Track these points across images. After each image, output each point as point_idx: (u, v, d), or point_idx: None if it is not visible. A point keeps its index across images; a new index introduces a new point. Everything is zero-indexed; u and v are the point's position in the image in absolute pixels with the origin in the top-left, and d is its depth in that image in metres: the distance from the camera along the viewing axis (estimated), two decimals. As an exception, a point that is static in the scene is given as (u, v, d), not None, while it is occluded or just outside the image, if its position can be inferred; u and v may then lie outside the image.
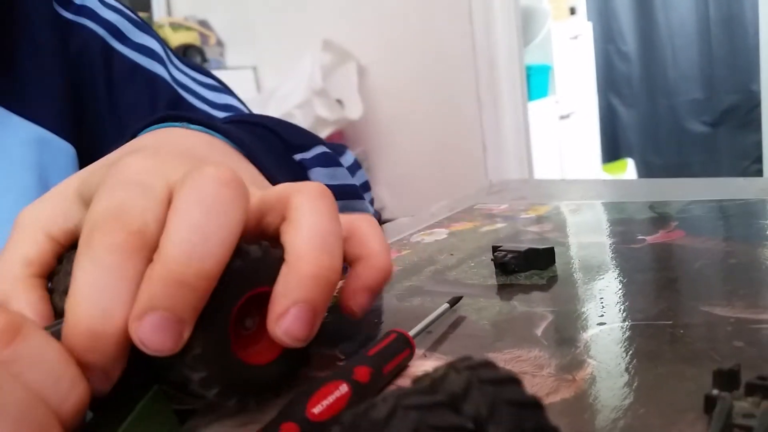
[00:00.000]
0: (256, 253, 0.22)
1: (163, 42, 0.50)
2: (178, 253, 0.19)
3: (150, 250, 0.20)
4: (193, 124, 0.31)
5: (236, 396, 0.22)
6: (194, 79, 0.49)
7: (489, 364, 0.16)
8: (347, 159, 0.49)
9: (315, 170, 0.41)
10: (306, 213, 0.22)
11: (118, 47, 0.46)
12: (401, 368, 0.26)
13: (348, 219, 0.27)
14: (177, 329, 0.19)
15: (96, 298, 0.19)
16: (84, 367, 0.19)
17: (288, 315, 0.21)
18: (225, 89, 0.51)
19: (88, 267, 0.19)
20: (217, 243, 0.20)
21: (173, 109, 0.46)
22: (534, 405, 0.15)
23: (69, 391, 0.18)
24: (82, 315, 0.19)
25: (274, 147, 0.38)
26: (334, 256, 0.22)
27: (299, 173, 0.39)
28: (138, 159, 0.23)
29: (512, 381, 0.16)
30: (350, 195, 0.43)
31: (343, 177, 0.43)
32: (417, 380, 0.16)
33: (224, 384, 0.21)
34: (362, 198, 0.44)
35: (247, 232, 0.22)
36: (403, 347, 0.26)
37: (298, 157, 0.40)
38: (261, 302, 0.22)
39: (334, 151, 0.45)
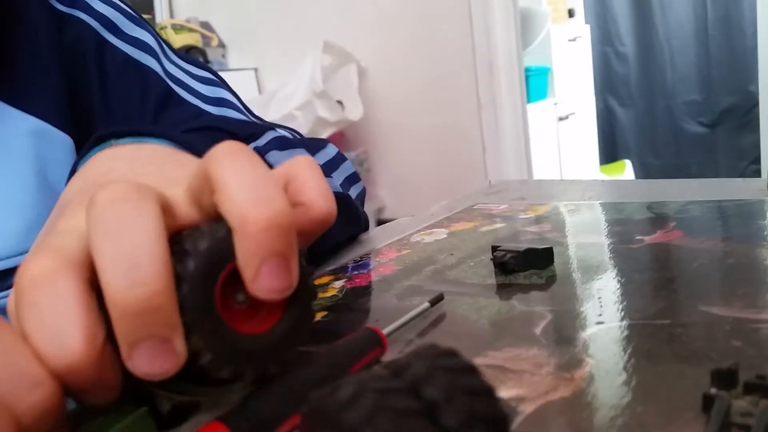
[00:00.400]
0: (209, 234, 0.21)
1: (158, 36, 0.50)
2: (120, 289, 0.19)
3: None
4: (122, 137, 0.30)
5: (238, 366, 0.21)
6: (188, 73, 0.49)
7: (451, 353, 0.17)
8: (329, 152, 0.49)
9: (271, 154, 0.40)
10: (227, 175, 0.21)
11: (111, 40, 0.46)
12: (372, 365, 0.26)
13: (285, 165, 0.26)
14: (168, 347, 0.19)
15: (52, 330, 0.19)
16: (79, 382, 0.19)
17: (260, 276, 0.20)
18: (220, 83, 0.51)
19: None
20: (146, 259, 0.19)
21: (164, 102, 0.46)
22: (488, 393, 0.16)
23: (28, 391, 0.18)
24: (43, 349, 0.19)
25: (221, 140, 0.37)
26: (274, 200, 0.20)
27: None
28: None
29: (470, 370, 0.17)
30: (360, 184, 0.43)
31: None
32: (384, 366, 0.17)
33: (225, 358, 0.21)
34: (330, 177, 0.44)
35: (188, 226, 0.22)
36: (374, 345, 0.26)
37: (251, 145, 0.39)
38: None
39: (314, 146, 0.45)
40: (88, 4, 0.47)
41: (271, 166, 0.41)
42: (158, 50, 0.48)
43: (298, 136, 0.50)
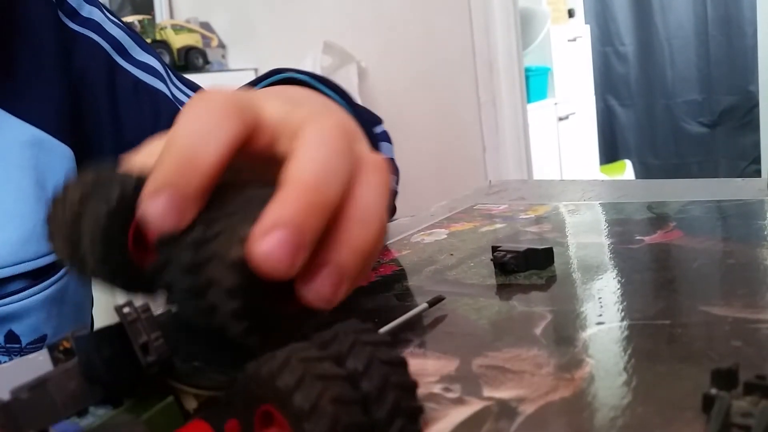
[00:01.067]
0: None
1: (163, 60, 0.51)
2: (314, 180, 0.19)
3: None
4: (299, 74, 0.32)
5: (262, 334, 0.21)
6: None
7: (370, 330, 0.20)
8: (380, 128, 0.50)
9: (383, 144, 0.42)
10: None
11: (122, 63, 0.48)
12: None
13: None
14: (300, 252, 0.18)
15: (196, 128, 0.20)
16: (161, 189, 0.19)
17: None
18: None
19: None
20: (339, 176, 0.20)
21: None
22: (400, 364, 0.19)
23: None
24: (180, 140, 0.19)
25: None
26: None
27: (375, 145, 0.40)
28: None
29: (387, 343, 0.19)
30: (396, 172, 0.44)
31: (392, 152, 0.44)
32: (312, 340, 0.19)
33: (254, 319, 0.20)
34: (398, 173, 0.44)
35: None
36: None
37: (377, 129, 0.41)
38: None
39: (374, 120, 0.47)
40: (100, 25, 0.47)
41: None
42: (165, 75, 0.49)
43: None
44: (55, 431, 0.20)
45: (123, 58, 0.48)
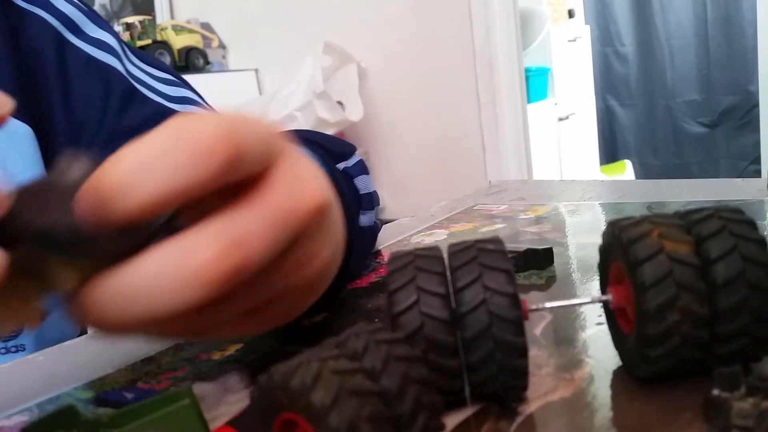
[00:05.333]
0: None
1: (119, 37, 0.50)
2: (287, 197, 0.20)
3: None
4: None
5: None
6: (150, 74, 0.49)
7: (384, 329, 0.20)
8: (354, 159, 0.49)
9: (359, 178, 0.40)
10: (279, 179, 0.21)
11: (72, 40, 0.46)
12: None
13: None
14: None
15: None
16: None
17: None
18: (182, 83, 0.50)
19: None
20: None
21: (127, 100, 0.45)
22: (419, 359, 0.19)
23: None
24: None
25: (321, 157, 0.37)
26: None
27: (346, 182, 0.38)
28: None
29: (401, 341, 0.19)
30: (376, 203, 0.43)
31: (369, 184, 0.42)
32: (323, 343, 0.20)
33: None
34: (378, 204, 0.44)
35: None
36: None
37: (341, 166, 0.39)
38: None
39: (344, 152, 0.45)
40: (49, 1, 0.46)
41: (358, 190, 0.40)
42: (120, 51, 0.48)
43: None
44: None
45: (74, 35, 0.46)
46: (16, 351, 0.47)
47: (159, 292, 0.20)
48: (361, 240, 0.38)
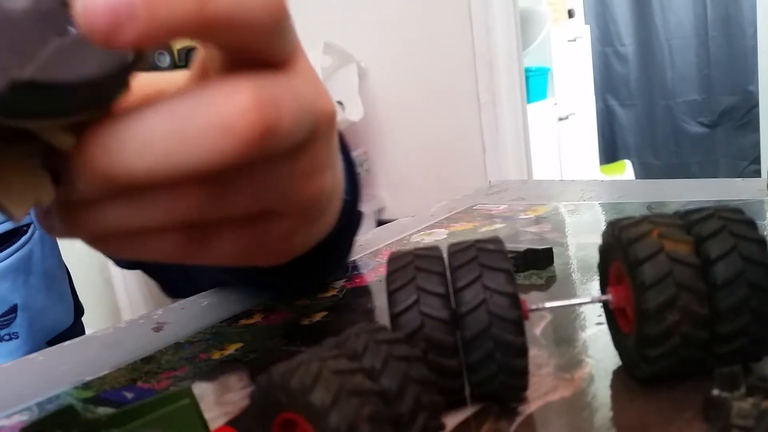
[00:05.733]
0: None
1: None
2: None
3: None
4: None
5: None
6: None
7: (383, 329, 0.20)
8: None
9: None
10: None
11: None
12: None
13: None
14: None
15: None
16: None
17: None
18: None
19: None
20: None
21: None
22: (419, 359, 0.19)
23: None
24: None
25: None
26: None
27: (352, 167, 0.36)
28: None
29: (401, 341, 0.19)
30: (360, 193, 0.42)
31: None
32: (323, 343, 0.20)
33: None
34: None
35: None
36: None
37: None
38: None
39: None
40: None
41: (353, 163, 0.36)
42: None
43: None
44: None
45: None
46: (9, 339, 0.47)
47: (180, 140, 0.17)
48: (350, 207, 0.36)
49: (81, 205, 0.19)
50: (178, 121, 0.17)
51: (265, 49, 0.19)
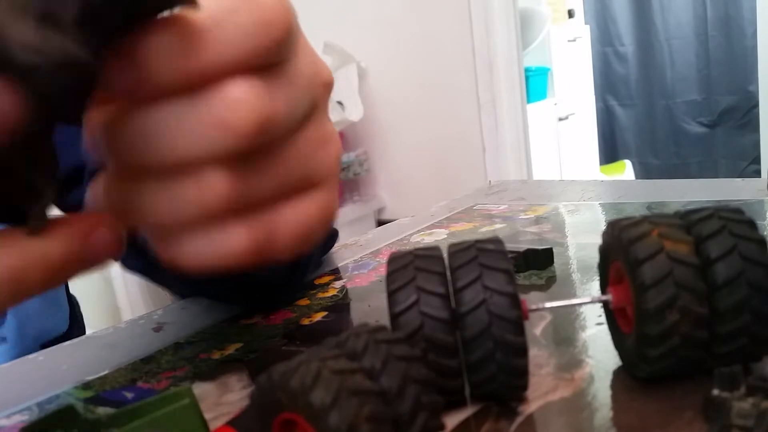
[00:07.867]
0: None
1: None
2: None
3: None
4: None
5: None
6: None
7: (383, 329, 0.20)
8: None
9: None
10: None
11: None
12: None
13: None
14: None
15: None
16: None
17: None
18: None
19: None
20: None
21: None
22: (419, 359, 0.19)
23: None
24: None
25: None
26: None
27: None
28: None
29: (401, 341, 0.20)
30: None
31: None
32: (323, 343, 0.20)
33: None
34: None
35: None
36: None
37: None
38: None
39: None
40: None
41: None
42: None
43: None
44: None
45: None
46: None
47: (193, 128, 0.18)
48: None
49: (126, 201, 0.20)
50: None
51: (274, 58, 0.20)
